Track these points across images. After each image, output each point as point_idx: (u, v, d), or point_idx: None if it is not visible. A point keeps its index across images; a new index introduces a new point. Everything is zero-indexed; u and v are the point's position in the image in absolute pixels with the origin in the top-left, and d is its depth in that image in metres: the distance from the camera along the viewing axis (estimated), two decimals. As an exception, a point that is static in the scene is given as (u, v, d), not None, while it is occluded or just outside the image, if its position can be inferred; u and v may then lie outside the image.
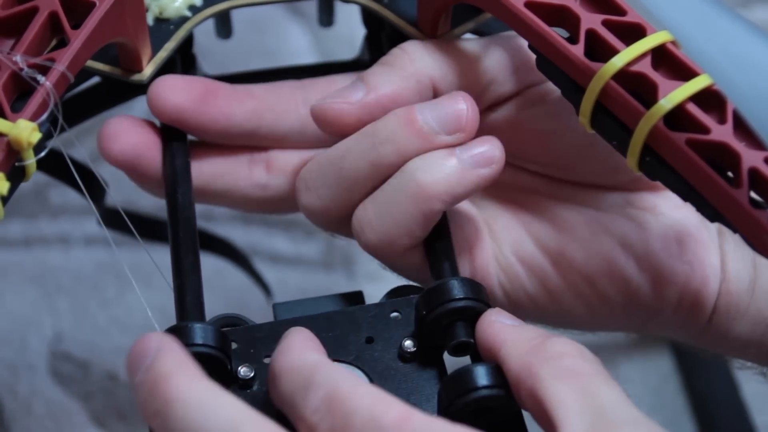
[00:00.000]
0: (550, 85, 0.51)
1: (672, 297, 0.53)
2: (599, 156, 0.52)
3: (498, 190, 0.54)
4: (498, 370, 0.44)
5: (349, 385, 0.41)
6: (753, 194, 0.44)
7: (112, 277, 0.83)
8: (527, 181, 0.54)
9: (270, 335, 0.47)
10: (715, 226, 0.53)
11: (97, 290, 0.82)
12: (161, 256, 0.53)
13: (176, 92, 0.52)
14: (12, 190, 0.45)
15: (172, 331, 0.46)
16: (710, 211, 0.45)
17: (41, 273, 0.83)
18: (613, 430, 0.40)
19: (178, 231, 0.50)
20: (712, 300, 0.53)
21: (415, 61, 0.51)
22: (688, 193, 0.46)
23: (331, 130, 0.51)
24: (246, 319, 0.48)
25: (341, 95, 0.51)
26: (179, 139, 0.52)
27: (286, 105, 0.53)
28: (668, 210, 0.53)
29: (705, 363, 0.80)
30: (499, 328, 0.45)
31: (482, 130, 0.53)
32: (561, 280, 0.53)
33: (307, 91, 0.53)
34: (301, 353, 0.43)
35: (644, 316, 0.54)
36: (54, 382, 0.79)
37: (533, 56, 0.51)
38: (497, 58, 0.52)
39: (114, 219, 0.56)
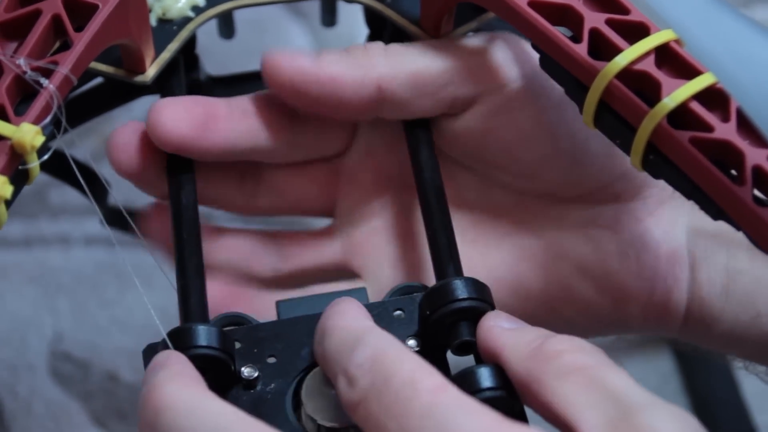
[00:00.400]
0: (511, 95, 0.51)
1: (635, 313, 0.53)
2: (563, 166, 0.52)
3: (464, 213, 0.55)
4: (502, 371, 0.44)
5: (396, 350, 0.42)
6: (757, 192, 0.44)
7: (113, 277, 0.82)
8: (496, 196, 0.54)
9: (273, 335, 0.47)
10: (684, 235, 0.53)
11: (98, 290, 0.82)
12: (155, 260, 0.53)
13: (177, 121, 0.51)
14: (15, 194, 0.44)
15: (175, 333, 0.46)
16: (714, 209, 0.45)
17: (41, 273, 0.83)
18: (636, 416, 0.39)
19: (182, 232, 0.50)
20: (681, 309, 0.53)
21: (371, 57, 0.52)
22: (691, 191, 0.46)
23: (267, 82, 0.52)
24: (249, 317, 0.48)
25: (291, 54, 0.51)
26: None
27: (280, 120, 0.53)
28: (629, 224, 0.53)
29: (705, 363, 0.80)
30: (497, 333, 0.45)
31: (448, 138, 0.53)
32: (519, 309, 0.53)
33: None
34: (356, 316, 0.44)
35: (611, 330, 0.55)
36: (54, 382, 0.79)
37: (493, 60, 0.51)
38: (454, 61, 0.52)
39: (116, 219, 0.56)
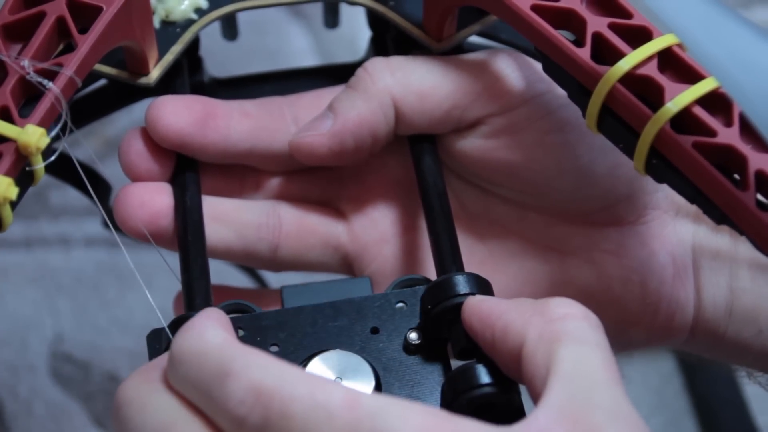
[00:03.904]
0: (515, 117, 0.52)
1: (638, 335, 0.54)
2: (566, 186, 0.52)
3: (469, 228, 0.55)
4: (497, 368, 0.44)
5: (276, 371, 0.39)
6: (760, 197, 0.44)
7: (113, 278, 0.83)
8: (499, 211, 0.54)
9: (277, 323, 0.47)
10: (689, 258, 0.53)
11: (98, 291, 0.82)
12: (159, 257, 0.53)
13: (177, 117, 0.52)
14: (21, 195, 0.45)
15: (177, 322, 0.46)
16: (717, 214, 0.45)
17: (42, 274, 0.83)
18: (590, 416, 0.39)
19: (187, 234, 0.50)
20: (685, 330, 0.53)
21: (377, 82, 0.52)
22: (694, 195, 0.46)
23: (309, 162, 0.52)
24: (252, 306, 0.49)
25: (313, 127, 0.52)
26: None
27: (278, 124, 0.53)
28: (633, 249, 0.53)
29: (706, 364, 0.80)
30: (494, 302, 0.45)
31: (454, 155, 0.53)
32: None
33: (295, 107, 0.54)
34: (201, 333, 0.41)
35: (613, 351, 0.55)
36: (54, 382, 0.79)
37: (499, 82, 0.51)
38: (461, 82, 0.52)
39: None
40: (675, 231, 0.53)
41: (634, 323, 0.53)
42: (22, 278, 0.83)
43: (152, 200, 0.52)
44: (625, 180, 0.52)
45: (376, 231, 0.55)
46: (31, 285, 0.82)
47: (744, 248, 0.52)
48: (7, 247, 0.83)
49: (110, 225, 0.51)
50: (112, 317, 0.81)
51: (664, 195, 0.53)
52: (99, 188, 0.56)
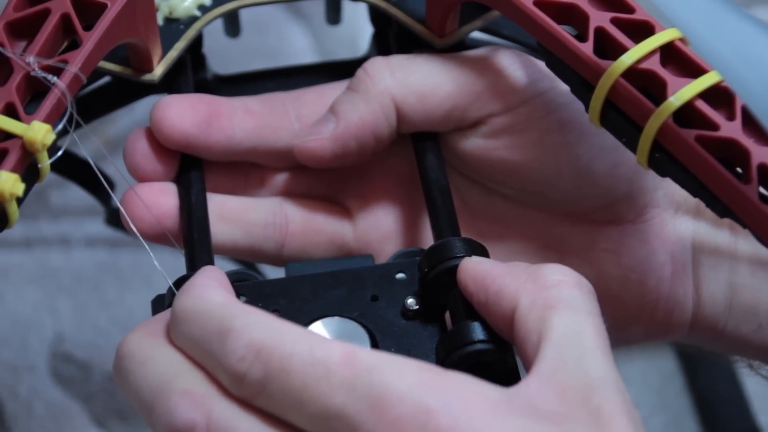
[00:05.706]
0: (516, 117, 0.52)
1: (637, 333, 0.54)
2: (565, 186, 0.53)
3: (470, 225, 0.55)
4: (490, 327, 0.45)
5: (276, 329, 0.40)
6: (762, 190, 0.44)
7: (113, 278, 0.83)
8: (500, 209, 0.55)
9: (279, 291, 0.48)
10: (689, 255, 0.53)
11: (98, 291, 0.82)
12: (162, 256, 0.53)
13: (182, 118, 0.52)
14: (27, 191, 0.45)
15: (180, 280, 0.46)
16: (720, 207, 0.45)
17: (42, 274, 0.83)
18: (579, 384, 0.40)
19: (192, 231, 0.50)
20: (684, 325, 0.54)
21: (377, 83, 0.52)
22: (697, 189, 0.46)
23: (312, 165, 0.53)
24: (255, 274, 0.49)
25: (315, 131, 0.52)
26: None
27: (282, 121, 0.53)
28: (633, 247, 0.53)
29: (708, 363, 0.80)
30: (489, 264, 0.45)
31: (454, 155, 0.54)
32: None
33: (298, 103, 0.54)
34: (202, 292, 0.42)
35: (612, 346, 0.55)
36: (55, 383, 0.79)
37: (499, 82, 0.52)
38: (462, 82, 0.52)
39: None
40: (675, 229, 0.53)
41: (632, 320, 0.53)
42: (22, 278, 0.83)
43: (158, 201, 0.52)
44: (625, 179, 0.52)
45: (380, 229, 0.55)
46: (31, 285, 0.82)
47: (744, 243, 0.53)
48: (7, 247, 0.83)
49: (125, 216, 0.51)
50: (112, 317, 0.81)
51: (664, 193, 0.53)
52: (103, 186, 0.56)
